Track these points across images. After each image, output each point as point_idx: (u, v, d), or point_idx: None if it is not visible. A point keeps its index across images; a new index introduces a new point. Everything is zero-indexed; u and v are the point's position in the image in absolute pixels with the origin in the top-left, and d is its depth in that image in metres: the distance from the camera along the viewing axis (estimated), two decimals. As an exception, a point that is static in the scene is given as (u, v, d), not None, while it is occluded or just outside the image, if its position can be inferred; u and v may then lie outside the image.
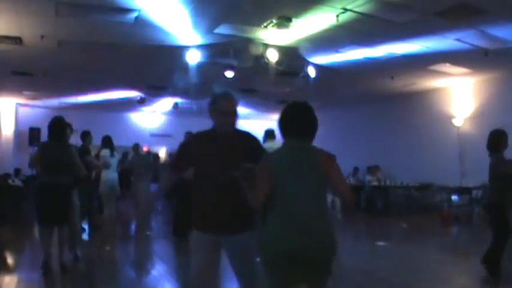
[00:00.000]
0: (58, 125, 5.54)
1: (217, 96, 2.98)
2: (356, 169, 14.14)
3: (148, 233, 9.54)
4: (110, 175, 8.40)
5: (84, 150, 8.71)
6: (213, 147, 2.93)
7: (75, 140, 9.14)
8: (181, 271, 6.31)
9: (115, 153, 8.71)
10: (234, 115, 2.96)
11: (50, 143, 5.47)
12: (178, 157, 3.15)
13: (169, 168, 3.30)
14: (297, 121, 2.63)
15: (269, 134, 6.91)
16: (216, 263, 3.01)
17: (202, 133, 3.08)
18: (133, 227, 10.40)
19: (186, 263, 6.86)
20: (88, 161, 8.08)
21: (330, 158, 2.61)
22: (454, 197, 11.05)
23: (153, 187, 17.16)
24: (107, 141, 8.64)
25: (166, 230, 9.11)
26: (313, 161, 2.58)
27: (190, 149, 3.08)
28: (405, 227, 9.91)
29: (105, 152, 8.50)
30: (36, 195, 5.66)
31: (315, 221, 2.50)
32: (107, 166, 8.34)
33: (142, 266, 6.53)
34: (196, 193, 2.99)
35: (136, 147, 11.14)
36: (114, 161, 8.57)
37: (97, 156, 8.63)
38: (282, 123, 2.67)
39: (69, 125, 5.95)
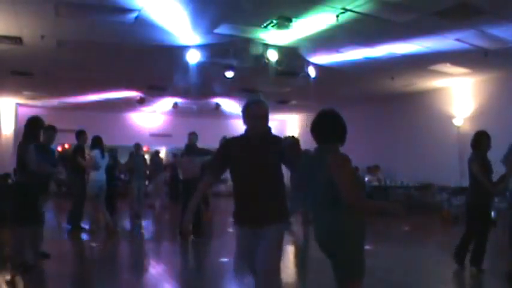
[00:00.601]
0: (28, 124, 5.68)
1: (249, 102, 3.25)
2: (356, 169, 14.14)
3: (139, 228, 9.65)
4: (99, 176, 8.38)
5: (76, 150, 8.75)
6: (245, 150, 3.19)
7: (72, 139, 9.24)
8: (181, 271, 6.31)
9: (105, 154, 8.71)
10: (264, 119, 3.19)
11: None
12: (217, 163, 3.40)
13: (209, 174, 3.43)
14: (314, 127, 3.01)
15: None
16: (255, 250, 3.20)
17: (236, 138, 3.39)
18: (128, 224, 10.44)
19: (186, 263, 6.88)
20: (78, 162, 8.09)
21: (336, 160, 2.81)
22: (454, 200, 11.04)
23: (149, 186, 17.21)
24: (98, 142, 8.59)
25: (167, 230, 9.13)
26: (323, 162, 2.83)
27: (227, 153, 3.30)
28: (406, 229, 9.89)
29: (96, 153, 8.44)
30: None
31: (318, 218, 2.94)
32: (96, 167, 8.31)
33: (141, 266, 6.53)
34: (234, 193, 3.30)
35: (138, 147, 11.31)
36: (104, 162, 8.57)
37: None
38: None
39: (52, 126, 6.14)
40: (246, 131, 3.28)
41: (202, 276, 6.00)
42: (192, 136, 8.44)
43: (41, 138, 5.94)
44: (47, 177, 5.93)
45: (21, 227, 5.56)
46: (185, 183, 8.26)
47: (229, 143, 3.37)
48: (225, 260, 6.91)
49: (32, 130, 5.67)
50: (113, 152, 11.23)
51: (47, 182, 6.02)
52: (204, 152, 8.19)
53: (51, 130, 6.18)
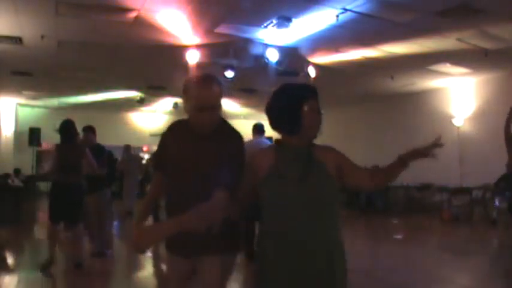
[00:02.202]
0: (63, 127, 5.68)
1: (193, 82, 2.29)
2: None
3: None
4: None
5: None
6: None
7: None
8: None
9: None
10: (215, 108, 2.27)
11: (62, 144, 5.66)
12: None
13: None
14: None
15: (258, 129, 6.80)
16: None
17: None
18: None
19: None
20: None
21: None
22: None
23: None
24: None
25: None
26: None
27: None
28: (401, 234, 9.91)
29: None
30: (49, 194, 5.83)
31: None
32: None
33: (141, 265, 6.53)
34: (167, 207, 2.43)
35: (128, 147, 11.55)
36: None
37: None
38: None
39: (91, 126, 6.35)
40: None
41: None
42: None
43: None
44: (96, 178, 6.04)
45: (77, 227, 5.64)
46: None
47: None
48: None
49: (72, 132, 5.71)
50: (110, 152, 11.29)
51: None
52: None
53: (91, 131, 6.34)
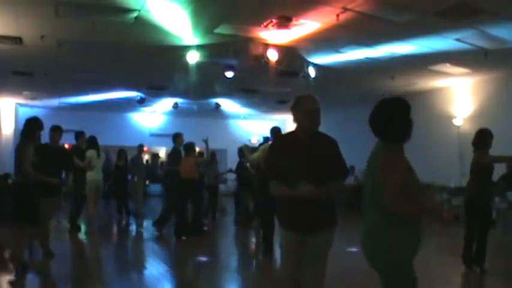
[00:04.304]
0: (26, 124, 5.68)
1: (301, 97, 3.18)
2: (352, 167, 14.13)
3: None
4: (95, 175, 8.58)
5: (74, 150, 8.86)
6: (297, 149, 3.09)
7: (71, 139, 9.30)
8: (181, 271, 6.32)
9: (101, 153, 8.91)
10: (317, 114, 3.12)
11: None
12: (271, 162, 3.24)
13: (266, 176, 3.30)
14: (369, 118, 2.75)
15: (275, 132, 6.86)
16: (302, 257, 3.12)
17: (287, 135, 3.31)
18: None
19: (185, 263, 6.88)
20: (74, 162, 8.18)
21: (382, 161, 2.57)
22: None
23: (154, 187, 17.22)
24: (92, 142, 8.85)
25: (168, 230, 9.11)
26: (372, 161, 2.68)
27: (278, 152, 3.21)
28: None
29: (91, 153, 8.62)
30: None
31: (363, 220, 2.68)
32: (91, 167, 8.43)
33: (141, 265, 6.53)
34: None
35: (141, 148, 11.78)
36: (99, 162, 8.77)
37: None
38: None
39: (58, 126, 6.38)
40: (297, 127, 3.16)
41: (202, 275, 6.00)
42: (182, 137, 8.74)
43: (49, 139, 6.11)
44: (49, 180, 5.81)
45: (20, 228, 5.54)
46: (184, 184, 8.25)
47: (281, 142, 3.31)
48: (224, 259, 6.91)
49: (30, 131, 5.63)
50: (117, 152, 11.37)
51: (51, 184, 5.88)
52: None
53: (57, 130, 6.25)
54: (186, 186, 8.16)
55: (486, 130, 5.76)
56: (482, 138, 5.65)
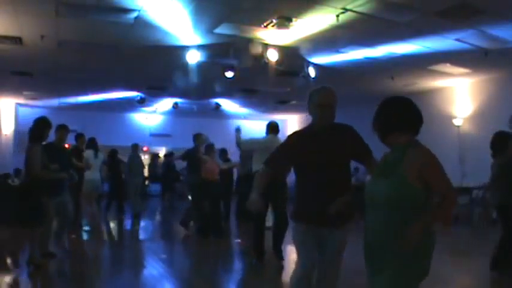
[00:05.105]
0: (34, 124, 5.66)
1: (314, 91, 3.05)
2: (356, 169, 14.15)
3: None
4: (93, 175, 8.68)
5: (72, 151, 8.89)
6: (313, 143, 2.96)
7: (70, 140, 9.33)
8: (181, 271, 6.31)
9: (99, 154, 9.05)
10: (331, 108, 2.99)
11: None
12: (280, 156, 3.13)
13: (270, 166, 3.13)
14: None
15: (271, 127, 6.81)
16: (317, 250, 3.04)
17: (303, 130, 3.14)
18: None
19: (184, 263, 6.87)
20: (72, 162, 8.21)
21: (420, 157, 2.53)
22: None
23: (154, 187, 17.21)
24: (91, 143, 9.02)
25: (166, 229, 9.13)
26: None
27: (291, 148, 3.08)
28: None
29: (89, 153, 8.76)
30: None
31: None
32: (88, 167, 8.50)
33: (140, 265, 6.53)
34: (298, 189, 3.08)
35: (136, 147, 11.68)
36: (97, 162, 8.93)
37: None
38: None
39: (64, 125, 6.37)
40: (313, 122, 3.06)
41: (203, 275, 6.00)
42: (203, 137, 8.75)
43: (55, 138, 6.15)
44: (56, 180, 5.83)
45: (25, 228, 5.55)
46: (205, 184, 8.23)
47: (296, 136, 3.11)
48: (226, 258, 6.90)
49: (40, 131, 5.63)
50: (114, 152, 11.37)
51: (57, 184, 5.89)
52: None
53: (63, 129, 6.30)
54: (208, 187, 8.16)
55: (504, 132, 5.67)
56: (503, 141, 5.56)
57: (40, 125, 5.62)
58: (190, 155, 8.82)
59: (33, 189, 5.48)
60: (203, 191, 8.20)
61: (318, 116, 3.00)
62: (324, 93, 3.04)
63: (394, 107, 2.61)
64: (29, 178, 5.57)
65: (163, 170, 15.29)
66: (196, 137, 8.79)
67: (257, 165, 6.04)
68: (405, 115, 2.58)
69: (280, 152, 3.15)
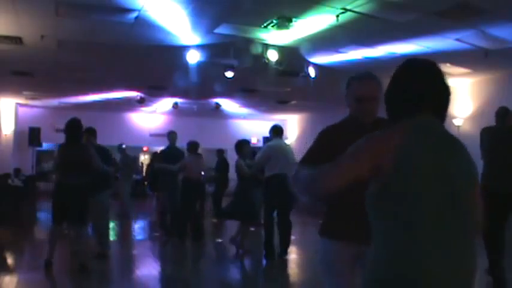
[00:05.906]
0: (73, 125, 5.64)
1: (354, 79, 2.53)
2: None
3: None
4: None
5: None
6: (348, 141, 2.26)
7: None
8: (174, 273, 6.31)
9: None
10: (372, 101, 2.43)
11: (67, 144, 5.61)
12: (316, 157, 2.44)
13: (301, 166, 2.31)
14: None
15: (276, 131, 6.82)
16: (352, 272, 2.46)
17: (338, 125, 2.65)
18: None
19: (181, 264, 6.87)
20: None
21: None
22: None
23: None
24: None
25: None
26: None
27: (325, 144, 2.54)
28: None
29: None
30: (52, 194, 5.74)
31: None
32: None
33: (140, 265, 6.53)
34: (331, 199, 2.45)
35: (123, 149, 11.77)
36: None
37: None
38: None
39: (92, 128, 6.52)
40: (349, 116, 2.59)
41: (199, 276, 6.00)
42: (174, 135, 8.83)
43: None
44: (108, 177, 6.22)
45: (80, 228, 5.63)
46: (187, 184, 8.21)
47: (331, 132, 2.62)
48: (221, 263, 6.90)
49: (79, 131, 5.73)
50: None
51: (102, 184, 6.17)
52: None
53: (93, 131, 6.45)
54: (194, 187, 8.13)
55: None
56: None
57: (78, 126, 5.71)
58: (169, 156, 8.78)
59: (84, 188, 5.57)
60: (189, 190, 8.15)
61: (357, 112, 2.51)
62: (365, 83, 2.50)
63: None
64: (90, 177, 5.61)
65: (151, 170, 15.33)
66: (170, 135, 8.74)
67: (270, 171, 6.20)
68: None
69: (316, 151, 2.59)
